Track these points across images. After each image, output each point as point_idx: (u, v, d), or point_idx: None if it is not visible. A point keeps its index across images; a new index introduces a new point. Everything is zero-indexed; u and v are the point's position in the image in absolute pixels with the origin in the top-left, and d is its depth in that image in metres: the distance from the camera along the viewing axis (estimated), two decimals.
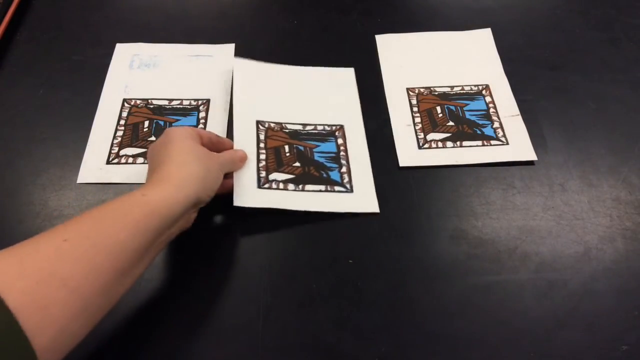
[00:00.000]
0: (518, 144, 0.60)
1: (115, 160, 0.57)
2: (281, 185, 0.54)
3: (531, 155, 0.59)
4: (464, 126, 0.61)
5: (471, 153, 0.59)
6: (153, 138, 0.58)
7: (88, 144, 0.59)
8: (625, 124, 0.62)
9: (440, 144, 0.60)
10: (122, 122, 0.60)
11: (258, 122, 0.59)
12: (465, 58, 0.69)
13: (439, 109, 0.63)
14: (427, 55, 0.69)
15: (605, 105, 0.64)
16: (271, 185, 0.54)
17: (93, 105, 0.62)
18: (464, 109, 0.63)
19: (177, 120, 0.60)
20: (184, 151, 0.45)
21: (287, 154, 0.57)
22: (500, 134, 0.60)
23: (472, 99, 0.64)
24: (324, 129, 0.60)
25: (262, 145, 0.57)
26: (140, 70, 0.65)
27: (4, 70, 0.66)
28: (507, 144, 0.60)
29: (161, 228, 0.40)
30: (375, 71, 0.67)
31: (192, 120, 0.60)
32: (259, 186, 0.53)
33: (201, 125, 0.60)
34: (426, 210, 0.55)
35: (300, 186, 0.55)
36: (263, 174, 0.54)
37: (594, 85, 0.66)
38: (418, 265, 0.51)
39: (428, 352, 0.46)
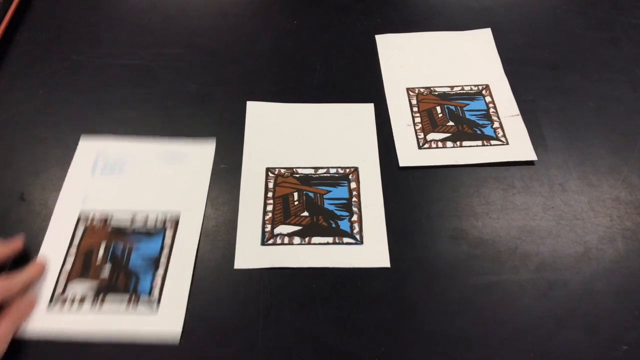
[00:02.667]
0: (518, 144, 0.60)
1: (58, 306, 0.47)
2: (286, 240, 0.52)
3: (531, 155, 0.59)
4: (464, 126, 0.61)
5: (471, 153, 0.59)
6: (106, 274, 0.49)
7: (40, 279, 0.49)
8: (625, 124, 0.62)
9: (440, 144, 0.60)
10: (75, 246, 0.51)
11: (268, 170, 0.56)
12: (465, 58, 0.69)
13: (439, 109, 0.63)
14: (427, 55, 0.69)
15: (605, 105, 0.64)
16: (275, 240, 0.51)
17: (93, 105, 0.62)
18: (464, 109, 0.63)
19: (139, 242, 0.51)
20: None
21: (296, 203, 0.54)
22: (500, 134, 0.60)
23: (472, 99, 0.64)
24: (337, 172, 0.57)
25: (269, 194, 0.55)
26: (103, 176, 0.56)
27: (4, 70, 0.66)
28: (507, 144, 0.60)
29: None
30: (375, 71, 0.67)
31: (156, 242, 0.51)
32: (263, 243, 0.51)
33: (165, 250, 0.51)
34: (426, 210, 0.55)
35: (307, 239, 0.52)
36: (268, 228, 0.52)
37: (594, 85, 0.66)
38: (418, 265, 0.51)
39: (428, 352, 0.46)
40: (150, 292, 0.48)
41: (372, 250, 0.51)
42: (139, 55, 0.68)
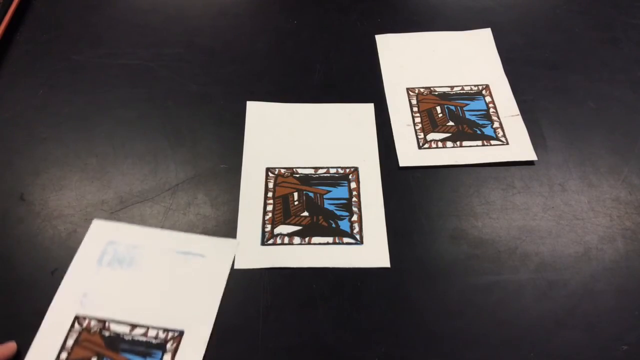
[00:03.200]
0: (518, 144, 0.60)
1: None
2: (286, 240, 0.51)
3: (531, 155, 0.59)
4: (464, 126, 0.61)
5: (471, 153, 0.59)
6: None
7: None
8: (625, 124, 0.62)
9: (440, 144, 0.60)
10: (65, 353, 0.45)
11: (268, 170, 0.56)
12: (465, 58, 0.69)
13: (439, 109, 0.63)
14: (427, 55, 0.69)
15: (605, 105, 0.64)
16: (275, 240, 0.51)
17: (93, 105, 0.62)
18: (464, 109, 0.63)
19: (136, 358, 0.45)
20: None
21: (296, 203, 0.54)
22: (500, 134, 0.60)
23: (472, 99, 0.64)
24: (337, 172, 0.56)
25: (269, 194, 0.54)
26: (110, 269, 0.49)
27: (4, 70, 0.66)
28: (507, 144, 0.60)
29: None
30: (375, 71, 0.67)
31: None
32: (263, 243, 0.51)
33: None
34: (426, 210, 0.55)
35: (307, 239, 0.51)
36: (268, 228, 0.52)
37: (594, 85, 0.66)
38: (418, 265, 0.51)
39: (428, 352, 0.46)
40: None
41: (372, 250, 0.51)
42: (139, 55, 0.68)
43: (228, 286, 0.49)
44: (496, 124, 0.61)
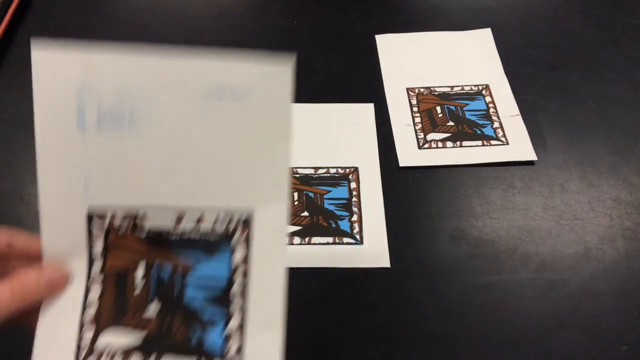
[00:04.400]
0: (518, 144, 0.60)
1: None
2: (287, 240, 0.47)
3: (531, 155, 0.59)
4: (464, 126, 0.61)
5: (471, 153, 0.59)
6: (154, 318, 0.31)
7: None
8: (625, 124, 0.62)
9: (440, 144, 0.60)
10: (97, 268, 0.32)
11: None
12: (465, 58, 0.69)
13: (439, 109, 0.63)
14: (427, 55, 0.69)
15: (605, 105, 0.64)
16: None
17: None
18: (464, 109, 0.63)
19: (196, 261, 0.32)
20: None
21: (296, 202, 0.53)
22: (500, 134, 0.60)
23: (472, 99, 0.64)
24: (336, 172, 0.56)
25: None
26: (103, 135, 0.30)
27: (4, 70, 0.66)
28: (507, 144, 0.60)
29: None
30: (375, 71, 0.67)
31: (222, 262, 0.32)
32: None
33: (238, 278, 0.32)
34: (426, 210, 0.55)
35: (307, 239, 0.51)
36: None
37: (594, 85, 0.66)
38: (418, 265, 0.51)
39: (428, 352, 0.46)
40: (222, 351, 0.31)
41: (372, 250, 0.51)
42: None
43: None
44: (496, 124, 0.61)
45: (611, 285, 0.50)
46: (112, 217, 0.31)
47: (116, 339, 0.31)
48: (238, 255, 0.32)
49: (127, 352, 0.31)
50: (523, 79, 0.66)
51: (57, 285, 0.31)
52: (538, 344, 0.46)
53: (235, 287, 0.32)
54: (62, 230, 0.31)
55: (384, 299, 0.48)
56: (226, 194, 0.31)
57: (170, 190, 0.31)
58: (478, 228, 0.53)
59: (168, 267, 0.31)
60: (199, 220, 0.31)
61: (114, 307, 0.31)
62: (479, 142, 0.60)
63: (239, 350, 0.31)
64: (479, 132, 0.61)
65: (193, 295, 0.31)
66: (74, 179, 0.30)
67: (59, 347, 0.30)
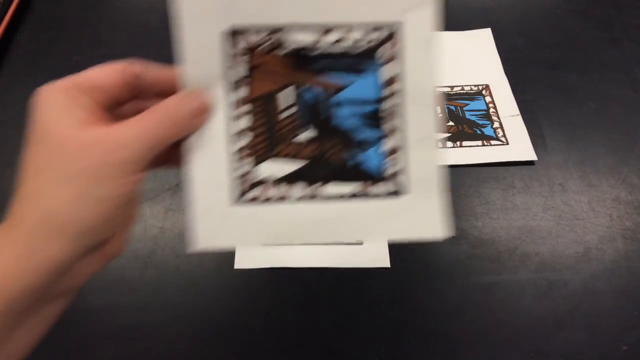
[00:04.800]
0: (518, 144, 0.60)
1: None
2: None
3: (531, 155, 0.59)
4: (464, 126, 0.61)
5: (471, 153, 0.59)
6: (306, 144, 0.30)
7: None
8: (625, 124, 0.62)
9: (440, 144, 0.60)
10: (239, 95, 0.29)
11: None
12: (465, 58, 0.69)
13: (438, 108, 0.63)
14: None
15: (605, 105, 0.64)
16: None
17: None
18: (464, 109, 0.63)
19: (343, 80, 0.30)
20: (46, 150, 0.26)
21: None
22: (500, 134, 0.60)
23: (472, 99, 0.64)
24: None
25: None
26: None
27: (4, 70, 0.66)
28: (507, 144, 0.60)
29: (12, 310, 0.24)
30: None
31: (370, 79, 0.30)
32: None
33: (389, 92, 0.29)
34: None
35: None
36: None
37: (594, 85, 0.66)
38: (418, 265, 0.51)
39: (428, 352, 0.46)
40: (379, 171, 0.30)
41: (372, 250, 0.51)
42: (139, 55, 0.68)
43: (228, 286, 0.49)
44: (496, 124, 0.61)
45: (611, 285, 0.50)
46: (255, 35, 0.28)
47: (272, 169, 0.29)
48: (387, 73, 0.30)
49: (284, 182, 0.29)
50: (523, 79, 0.66)
51: (201, 113, 0.28)
52: (538, 344, 0.46)
53: (387, 106, 0.30)
54: (201, 53, 0.28)
55: (384, 299, 0.48)
56: (372, 7, 0.29)
57: (314, 7, 0.28)
58: (478, 228, 0.53)
59: (315, 90, 0.29)
60: (344, 37, 0.29)
61: (263, 137, 0.29)
62: (479, 142, 0.60)
63: (396, 169, 0.30)
64: (479, 132, 0.61)
65: (344, 117, 0.30)
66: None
67: (214, 183, 0.29)
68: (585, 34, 0.72)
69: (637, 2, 0.76)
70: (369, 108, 0.30)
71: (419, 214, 0.31)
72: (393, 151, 0.30)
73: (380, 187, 0.30)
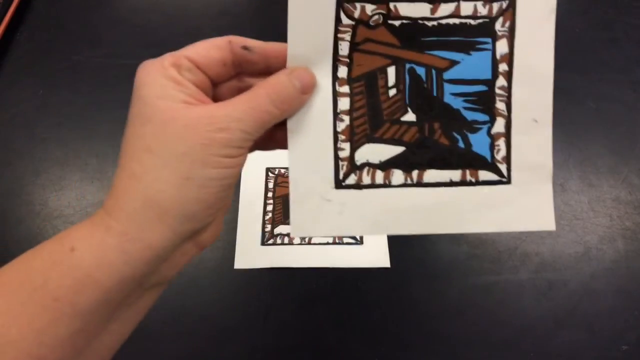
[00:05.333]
0: None
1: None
2: (286, 240, 0.51)
3: None
4: None
5: None
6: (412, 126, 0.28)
7: None
8: (625, 124, 0.62)
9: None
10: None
11: (268, 170, 0.35)
12: None
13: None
14: None
15: (605, 105, 0.64)
16: (275, 240, 0.51)
17: (93, 105, 0.62)
18: None
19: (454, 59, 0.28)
20: (153, 128, 0.24)
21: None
22: None
23: None
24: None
25: (269, 194, 0.51)
26: None
27: (4, 70, 0.66)
28: None
29: (108, 301, 0.23)
30: None
31: (484, 57, 0.28)
32: (263, 243, 0.51)
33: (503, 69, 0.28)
34: None
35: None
36: (268, 228, 0.52)
37: (594, 85, 0.66)
38: (418, 265, 0.51)
39: (428, 352, 0.46)
40: (491, 157, 0.28)
41: (372, 250, 0.51)
42: (139, 55, 0.67)
43: (228, 286, 0.49)
44: None
45: (611, 285, 0.49)
46: (363, 7, 0.26)
47: (374, 152, 0.28)
48: (500, 51, 0.28)
49: (387, 166, 0.28)
50: None
51: (308, 88, 0.27)
52: (538, 344, 0.46)
53: (499, 86, 0.28)
54: (309, 28, 0.26)
55: (384, 299, 0.48)
56: None
57: None
58: None
59: (422, 69, 0.27)
60: (455, 11, 0.27)
61: (368, 116, 0.28)
62: None
63: (506, 154, 0.28)
64: None
65: (452, 97, 0.28)
66: None
67: (316, 165, 0.27)
68: (585, 34, 0.72)
69: (637, 2, 0.76)
70: (479, 88, 0.28)
71: (529, 203, 0.29)
72: (503, 135, 0.28)
73: (489, 174, 0.28)
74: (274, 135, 0.28)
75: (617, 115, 0.63)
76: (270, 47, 0.27)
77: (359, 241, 0.52)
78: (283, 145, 0.28)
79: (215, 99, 0.27)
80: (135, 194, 0.23)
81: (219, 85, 0.27)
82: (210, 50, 0.26)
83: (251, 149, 0.26)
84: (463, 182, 0.28)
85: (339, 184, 0.28)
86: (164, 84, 0.24)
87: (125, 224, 0.23)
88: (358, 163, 0.28)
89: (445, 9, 0.27)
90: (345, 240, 0.52)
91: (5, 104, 0.63)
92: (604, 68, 0.68)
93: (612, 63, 0.68)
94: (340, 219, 0.28)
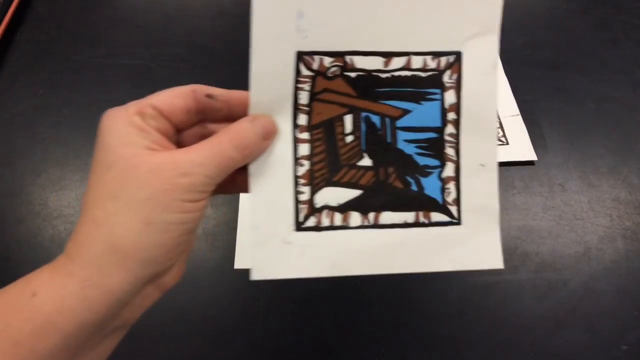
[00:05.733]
0: (518, 144, 0.60)
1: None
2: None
3: (531, 155, 0.59)
4: None
5: None
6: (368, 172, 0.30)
7: None
8: (625, 124, 0.62)
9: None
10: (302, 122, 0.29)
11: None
12: None
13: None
14: None
15: (605, 105, 0.64)
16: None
17: (93, 105, 0.62)
18: None
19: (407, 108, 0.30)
20: (117, 175, 0.24)
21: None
22: (500, 134, 0.60)
23: None
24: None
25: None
26: None
27: (4, 70, 0.66)
28: (507, 144, 0.60)
29: (68, 346, 0.23)
30: None
31: (433, 106, 0.30)
32: (298, 227, 0.30)
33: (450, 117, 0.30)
34: None
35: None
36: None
37: (594, 85, 0.66)
38: None
39: (428, 353, 0.46)
40: (442, 200, 0.30)
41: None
42: (139, 55, 0.68)
43: (228, 286, 0.49)
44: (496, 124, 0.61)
45: (611, 285, 0.50)
46: (321, 61, 0.28)
47: (333, 195, 0.29)
48: (449, 101, 0.30)
49: (345, 209, 0.29)
50: (523, 79, 0.66)
51: (270, 135, 0.28)
52: (538, 344, 0.46)
53: (448, 133, 0.30)
54: (270, 77, 0.28)
55: (384, 299, 0.48)
56: (433, 36, 0.29)
57: (377, 36, 0.29)
58: None
59: (377, 117, 0.30)
60: (407, 65, 0.29)
61: (326, 161, 0.29)
62: None
63: (456, 197, 0.30)
64: None
65: (405, 143, 0.30)
66: (287, 16, 0.27)
67: (276, 208, 0.29)
68: (585, 34, 0.72)
69: (637, 2, 0.76)
70: (430, 135, 0.30)
71: (478, 243, 0.31)
72: (453, 179, 0.30)
73: (440, 215, 0.30)
74: (235, 179, 0.29)
75: (617, 115, 0.63)
76: (233, 94, 0.28)
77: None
78: (244, 188, 0.28)
79: (179, 145, 0.27)
80: (97, 239, 0.24)
81: (183, 132, 0.28)
82: (175, 98, 0.26)
83: (214, 193, 0.27)
84: (417, 224, 0.30)
85: (299, 227, 0.29)
86: (128, 131, 0.25)
87: (86, 270, 0.23)
88: (317, 206, 0.29)
89: (397, 62, 0.29)
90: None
91: (5, 104, 0.63)
92: (604, 68, 0.68)
93: (612, 63, 0.68)
94: (300, 260, 0.29)
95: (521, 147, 0.59)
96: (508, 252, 0.52)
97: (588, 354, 0.46)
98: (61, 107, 0.63)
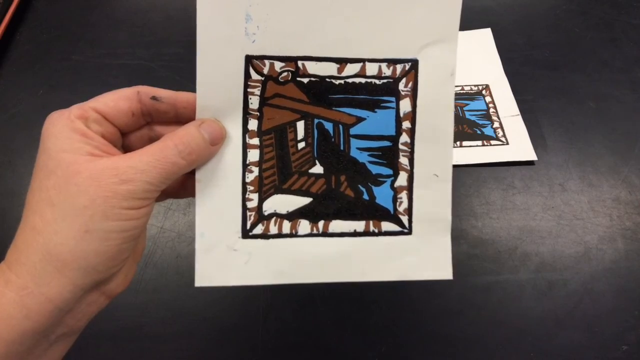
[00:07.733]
0: (518, 144, 0.60)
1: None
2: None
3: (531, 155, 0.59)
4: (464, 126, 0.61)
5: (471, 153, 0.59)
6: (319, 179, 0.30)
7: None
8: (625, 124, 0.62)
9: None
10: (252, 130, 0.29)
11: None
12: (465, 58, 0.69)
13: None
14: None
15: (605, 105, 0.64)
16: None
17: None
18: (464, 109, 0.63)
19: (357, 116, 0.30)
20: (57, 181, 0.23)
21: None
22: (500, 134, 0.60)
23: (472, 99, 0.64)
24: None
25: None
26: None
27: (4, 70, 0.66)
28: (507, 144, 0.60)
29: (9, 355, 0.23)
30: None
31: (387, 116, 0.30)
32: (245, 234, 0.29)
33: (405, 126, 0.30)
34: None
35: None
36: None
37: (594, 85, 0.66)
38: None
39: (428, 352, 0.46)
40: (394, 209, 0.30)
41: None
42: (139, 55, 0.68)
43: (228, 286, 0.49)
44: (496, 124, 0.61)
45: (611, 285, 0.50)
46: (273, 65, 0.28)
47: (282, 203, 0.29)
48: (403, 109, 0.29)
49: (294, 217, 0.29)
50: (523, 79, 0.66)
51: (218, 140, 0.27)
52: (538, 344, 0.46)
53: (402, 142, 0.29)
54: (218, 81, 0.27)
55: (384, 299, 0.48)
56: (390, 43, 0.28)
57: (331, 41, 0.28)
58: (478, 228, 0.53)
59: (330, 124, 0.29)
60: (361, 71, 0.29)
61: (277, 168, 0.29)
62: (479, 142, 0.60)
63: (407, 206, 0.30)
64: (479, 132, 0.61)
65: (358, 151, 0.29)
66: (235, 20, 0.27)
67: (223, 215, 0.28)
68: (585, 34, 0.72)
69: (637, 2, 0.76)
70: (384, 143, 0.29)
71: (428, 253, 0.30)
72: (405, 188, 0.30)
73: (391, 225, 0.30)
74: (185, 184, 0.29)
75: (617, 116, 0.63)
76: (180, 96, 0.27)
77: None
78: (194, 193, 0.28)
79: (126, 148, 0.27)
80: (35, 248, 0.23)
81: (129, 135, 0.28)
82: (118, 101, 0.26)
83: (160, 198, 0.26)
84: (367, 233, 0.30)
85: (246, 234, 0.29)
86: (69, 136, 0.24)
87: (24, 278, 0.23)
88: (266, 213, 0.29)
89: (351, 68, 0.28)
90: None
91: (5, 104, 0.63)
92: (604, 68, 0.68)
93: (612, 63, 0.68)
94: (246, 268, 0.29)
95: (521, 147, 0.59)
96: (508, 252, 0.52)
97: (588, 354, 0.46)
98: (61, 107, 0.62)
